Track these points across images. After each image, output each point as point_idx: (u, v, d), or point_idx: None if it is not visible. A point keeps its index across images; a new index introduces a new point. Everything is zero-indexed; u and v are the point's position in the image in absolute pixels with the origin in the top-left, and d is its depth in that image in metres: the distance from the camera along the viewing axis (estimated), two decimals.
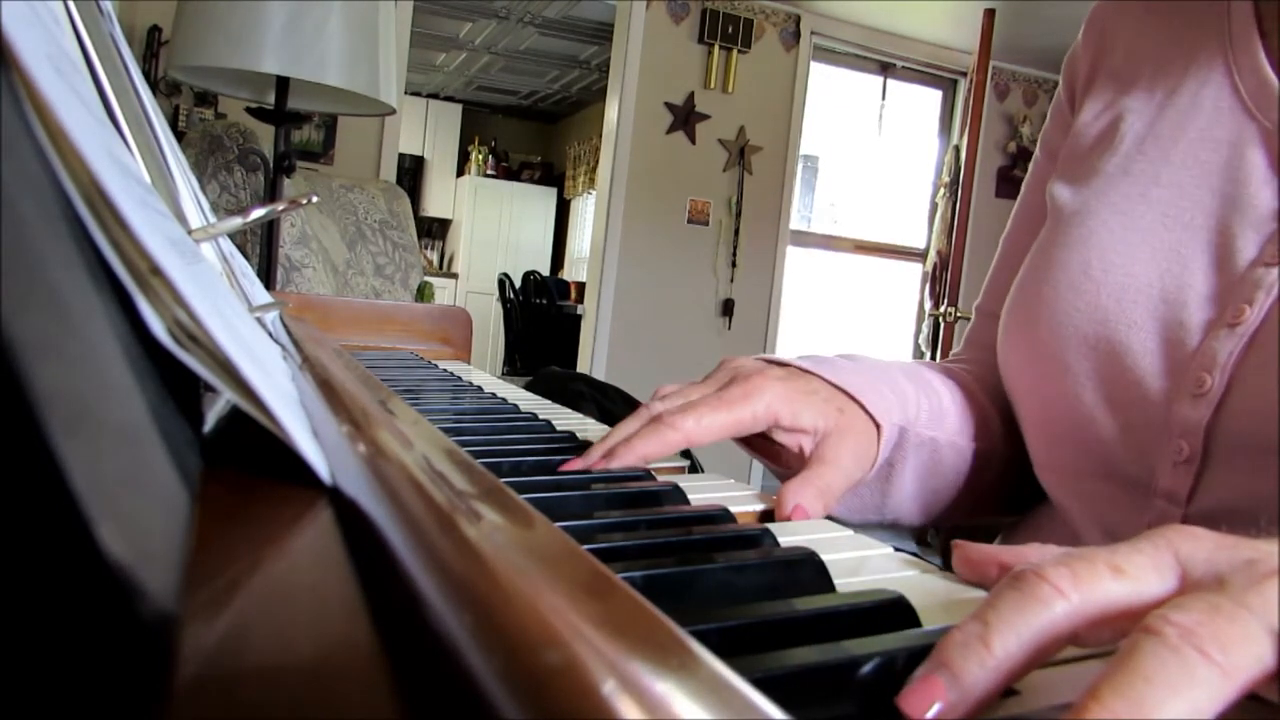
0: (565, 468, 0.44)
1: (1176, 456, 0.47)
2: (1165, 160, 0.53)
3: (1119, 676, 0.18)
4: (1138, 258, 0.51)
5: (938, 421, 0.55)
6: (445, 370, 0.95)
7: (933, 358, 3.86)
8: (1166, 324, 0.48)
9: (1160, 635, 0.19)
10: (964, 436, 0.58)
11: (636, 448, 0.43)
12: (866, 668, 0.22)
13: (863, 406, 0.50)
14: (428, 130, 7.74)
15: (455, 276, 7.43)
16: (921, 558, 0.36)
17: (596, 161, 5.31)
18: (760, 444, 0.50)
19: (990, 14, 3.59)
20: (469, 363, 1.18)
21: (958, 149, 3.85)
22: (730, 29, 4.32)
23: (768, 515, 0.41)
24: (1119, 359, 0.49)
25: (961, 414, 0.58)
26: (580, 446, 0.50)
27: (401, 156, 5.09)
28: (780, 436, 0.47)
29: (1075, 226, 0.55)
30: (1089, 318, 0.51)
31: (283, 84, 1.75)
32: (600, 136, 4.64)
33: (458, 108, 7.81)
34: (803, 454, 0.47)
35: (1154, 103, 0.55)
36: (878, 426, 0.50)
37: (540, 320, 5.94)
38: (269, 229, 1.90)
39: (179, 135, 2.72)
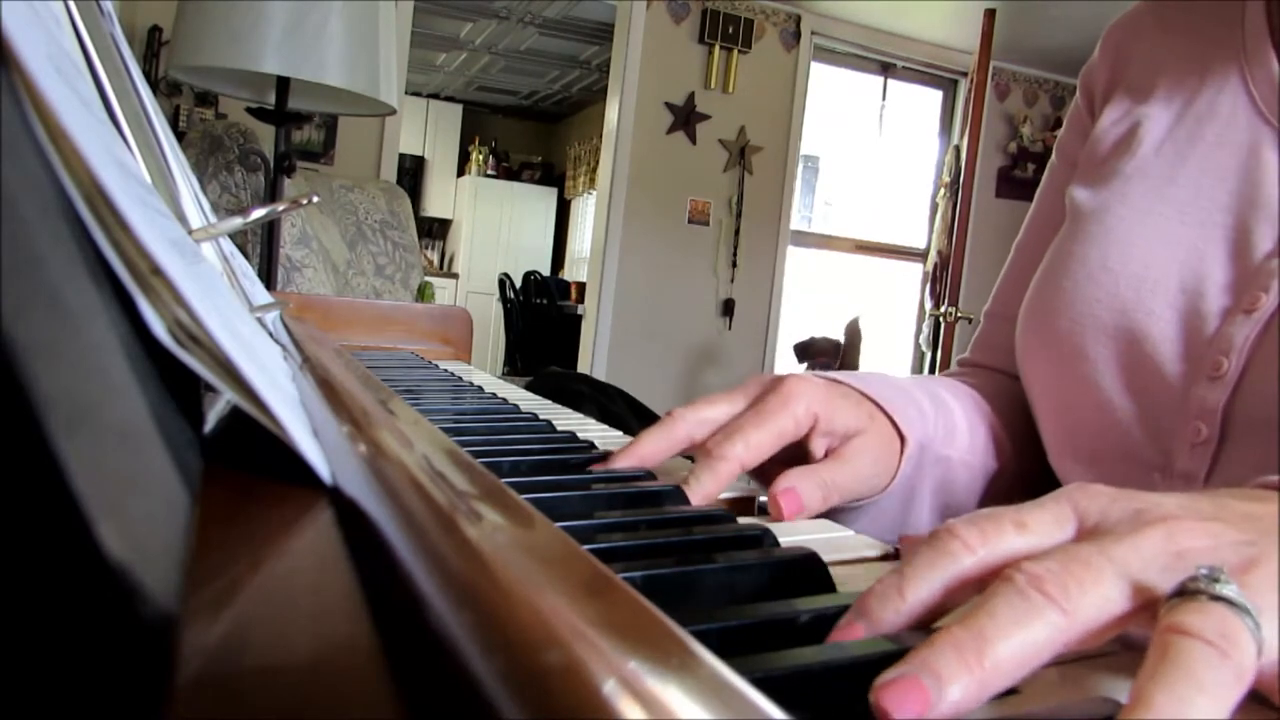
0: (599, 467, 0.43)
1: (1194, 438, 0.49)
2: (1182, 162, 0.54)
3: (968, 616, 0.21)
4: (1155, 251, 0.52)
5: (950, 439, 0.56)
6: (446, 370, 0.95)
7: (933, 358, 3.86)
8: (1184, 312, 0.50)
9: (1011, 581, 0.21)
10: (975, 454, 0.58)
11: (697, 490, 0.40)
12: (866, 668, 0.22)
13: (890, 418, 0.49)
14: (428, 130, 7.74)
15: (456, 276, 7.43)
16: None
17: (597, 162, 5.31)
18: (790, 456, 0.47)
19: (991, 14, 3.59)
20: (469, 363, 1.19)
21: (958, 149, 3.85)
22: (731, 29, 4.32)
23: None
24: (1138, 345, 0.51)
25: (972, 432, 0.58)
26: (582, 447, 0.50)
27: (402, 157, 5.09)
28: (815, 443, 0.46)
29: (1093, 224, 0.56)
30: (1108, 307, 0.53)
31: (283, 84, 1.75)
32: (600, 137, 4.64)
33: (458, 108, 7.82)
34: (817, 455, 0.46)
35: (1171, 110, 0.57)
36: (902, 440, 0.49)
37: (541, 320, 5.94)
38: (269, 229, 1.90)
39: (179, 135, 2.72)
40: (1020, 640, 0.20)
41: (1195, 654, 0.19)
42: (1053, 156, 0.69)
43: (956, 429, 0.56)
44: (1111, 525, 0.25)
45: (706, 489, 0.41)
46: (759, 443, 0.42)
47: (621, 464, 0.43)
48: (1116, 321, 0.52)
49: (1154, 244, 0.53)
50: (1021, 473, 0.61)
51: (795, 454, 0.45)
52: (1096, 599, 0.21)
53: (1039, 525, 0.25)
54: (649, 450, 0.44)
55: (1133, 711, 0.18)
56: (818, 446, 0.46)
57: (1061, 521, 0.26)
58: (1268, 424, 0.46)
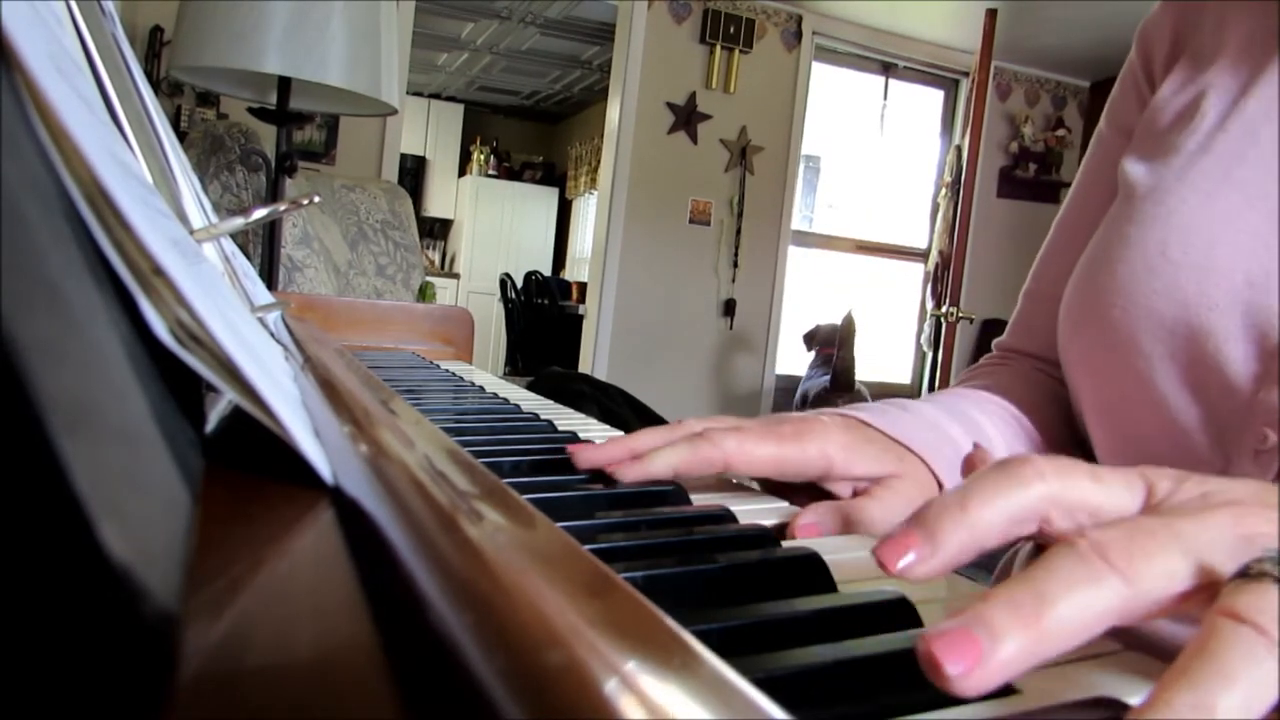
0: (578, 451, 0.42)
1: (1259, 445, 0.46)
2: (1252, 140, 0.50)
3: (1029, 573, 0.20)
4: (1220, 240, 0.48)
5: None
6: (447, 370, 0.95)
7: (934, 358, 3.86)
8: (1251, 308, 0.46)
9: (1074, 545, 0.21)
10: None
11: (668, 457, 0.40)
12: (867, 667, 0.21)
13: (925, 463, 0.47)
14: (429, 130, 7.74)
15: (457, 277, 7.44)
16: None
17: (598, 162, 5.31)
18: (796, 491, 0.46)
19: (992, 14, 3.59)
20: (470, 363, 1.19)
21: (959, 149, 3.85)
22: (732, 29, 4.32)
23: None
24: (1199, 343, 0.47)
25: (1015, 444, 0.56)
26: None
27: (403, 157, 5.10)
28: (835, 487, 0.44)
29: (1151, 204, 0.52)
30: (1166, 299, 0.49)
31: (284, 84, 1.75)
32: (602, 137, 4.64)
33: (459, 108, 7.82)
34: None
35: (1240, 81, 0.52)
36: (940, 486, 0.47)
37: (542, 320, 5.94)
38: (271, 229, 1.90)
39: (181, 135, 2.72)
40: (1080, 603, 0.20)
41: (1237, 642, 0.18)
42: (1101, 123, 0.64)
43: (994, 454, 0.54)
44: (1180, 503, 0.24)
45: (678, 459, 0.39)
46: (755, 452, 0.41)
47: (613, 452, 0.41)
48: (1176, 315, 0.48)
49: (1219, 231, 0.48)
50: None
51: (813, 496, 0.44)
52: (1160, 571, 0.21)
53: (1112, 482, 0.25)
54: (644, 445, 0.42)
55: (1154, 703, 0.18)
56: (843, 490, 0.44)
57: (1132, 487, 0.25)
58: None
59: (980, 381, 0.62)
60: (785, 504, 0.42)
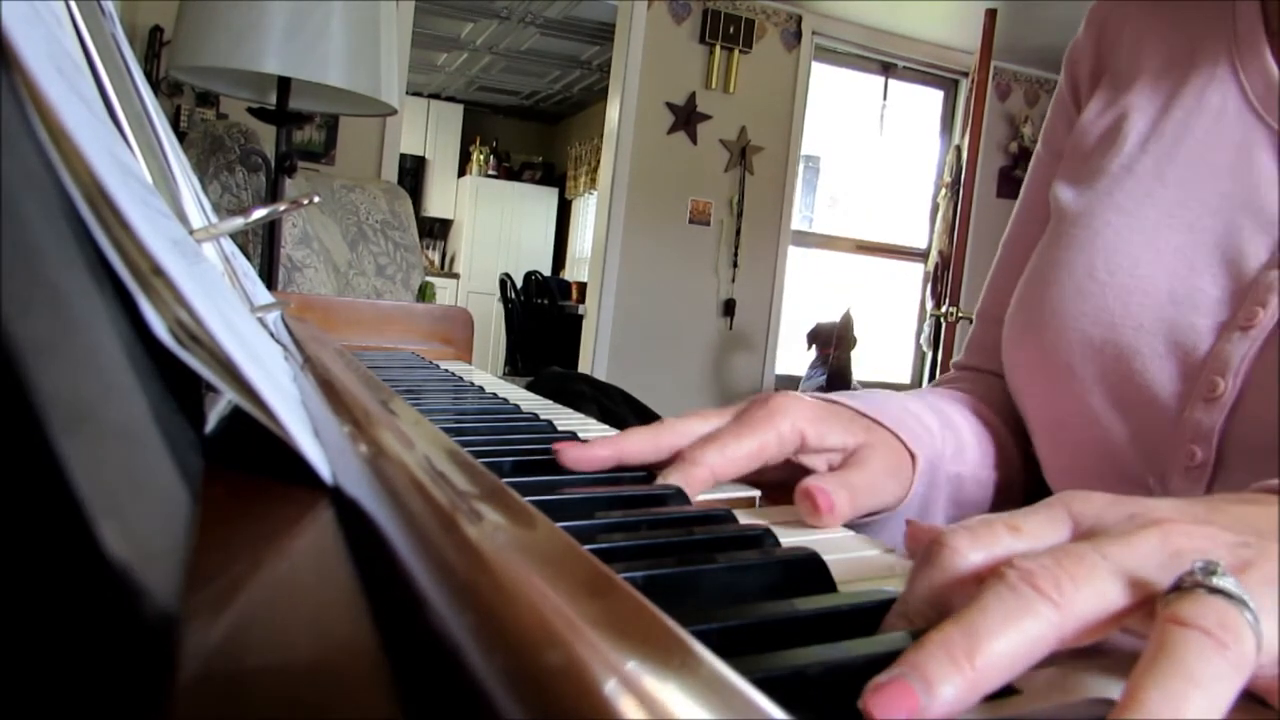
0: (564, 449, 0.42)
1: (1188, 462, 0.46)
2: (1170, 159, 0.51)
3: (959, 614, 0.21)
4: (1143, 259, 0.49)
5: (960, 455, 0.53)
6: (446, 370, 0.95)
7: (934, 358, 3.86)
8: (1175, 327, 0.47)
9: (1003, 577, 0.21)
10: (985, 469, 0.56)
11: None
12: (867, 667, 0.21)
13: (895, 435, 0.47)
14: (429, 130, 7.74)
15: (456, 277, 7.44)
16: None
17: (598, 162, 5.31)
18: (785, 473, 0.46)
19: (992, 14, 3.59)
20: (470, 363, 1.19)
21: (959, 149, 3.85)
22: (731, 29, 4.32)
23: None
24: (1127, 363, 0.48)
25: (981, 445, 0.56)
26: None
27: (403, 157, 5.09)
28: (807, 460, 0.45)
29: (1079, 228, 0.53)
30: (1094, 321, 0.50)
31: (284, 84, 1.75)
32: (601, 137, 4.64)
33: (459, 108, 7.82)
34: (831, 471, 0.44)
35: (1158, 102, 0.54)
36: (912, 456, 0.47)
37: (542, 320, 5.94)
38: (270, 229, 1.90)
39: (180, 135, 2.72)
40: (1013, 637, 0.20)
41: (1191, 645, 0.19)
42: (1038, 145, 0.66)
43: (965, 445, 0.54)
44: (1107, 527, 0.25)
45: None
46: (735, 454, 0.41)
47: (601, 452, 0.42)
48: (1104, 336, 0.49)
49: (1141, 251, 0.49)
50: (1031, 480, 0.58)
51: (794, 474, 0.43)
52: (1091, 594, 0.21)
53: (1034, 528, 0.25)
54: (632, 448, 0.42)
55: (1127, 706, 0.18)
56: (818, 463, 0.44)
57: (1056, 525, 0.26)
58: (1267, 450, 0.43)
59: (946, 387, 0.63)
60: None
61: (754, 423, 0.43)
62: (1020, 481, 0.59)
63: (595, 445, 0.42)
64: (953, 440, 0.53)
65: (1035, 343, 0.53)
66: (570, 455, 0.42)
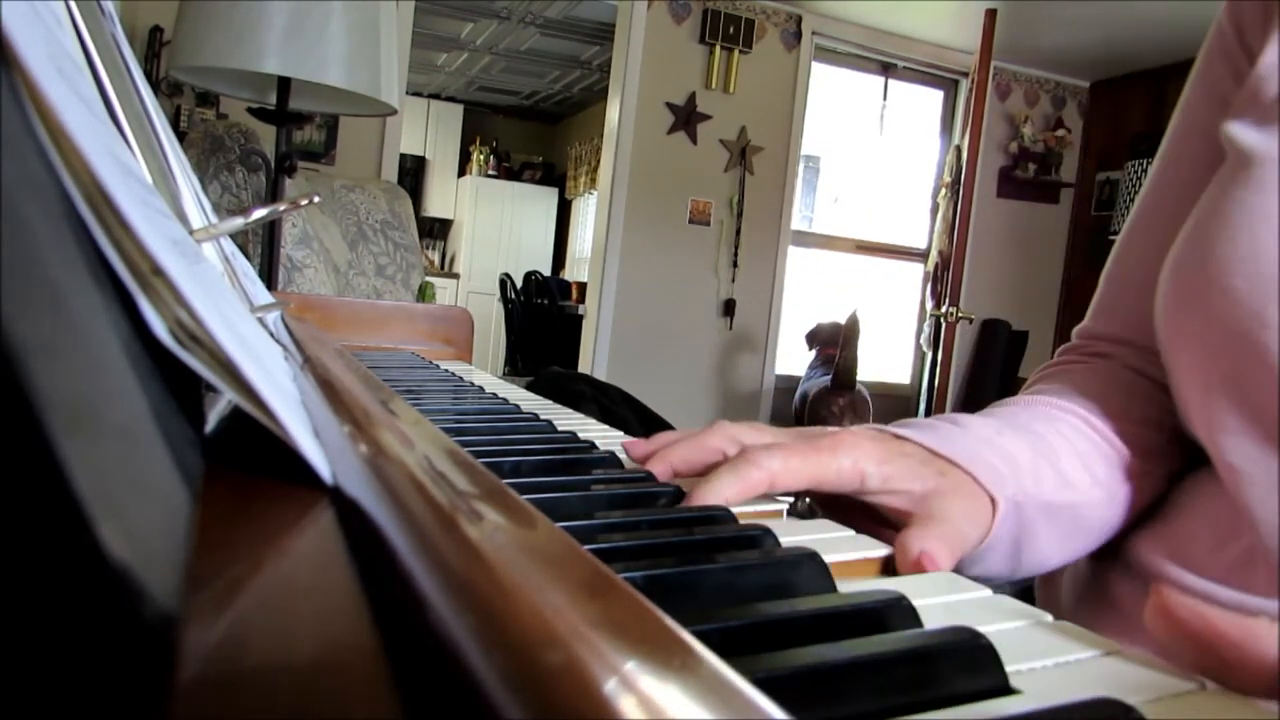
0: (631, 445, 0.46)
1: None
2: None
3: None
4: None
5: (1065, 485, 0.50)
6: (446, 370, 0.95)
7: (934, 357, 3.86)
8: None
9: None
10: (1102, 487, 0.52)
11: (721, 490, 0.39)
12: (867, 667, 0.21)
13: (972, 476, 0.45)
14: (429, 130, 7.74)
15: (456, 277, 7.44)
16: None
17: (598, 162, 5.31)
18: (852, 511, 0.45)
19: (992, 14, 3.59)
20: (470, 363, 1.19)
21: (959, 149, 3.85)
22: (731, 29, 4.32)
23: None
24: None
25: (1093, 460, 0.52)
26: (583, 447, 0.50)
27: (403, 157, 5.10)
28: (872, 499, 0.43)
29: (1271, 169, 0.49)
30: None
31: (284, 84, 1.75)
32: (601, 137, 4.64)
33: (459, 108, 7.82)
34: (900, 514, 0.43)
35: None
36: (991, 499, 0.45)
37: (541, 320, 5.94)
38: (270, 229, 1.90)
39: (180, 135, 2.72)
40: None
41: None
42: (1186, 97, 0.61)
43: (1067, 474, 0.50)
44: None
45: (725, 492, 0.39)
46: (797, 469, 0.40)
47: (697, 502, 0.40)
48: None
49: None
50: (1166, 474, 0.54)
51: (839, 497, 0.43)
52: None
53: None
54: (679, 457, 0.44)
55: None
56: (884, 504, 0.43)
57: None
58: None
59: (1053, 385, 0.59)
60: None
61: (819, 448, 0.42)
62: (1154, 481, 0.54)
63: (651, 454, 0.45)
64: (1051, 474, 0.49)
65: (1214, 288, 0.49)
66: (637, 451, 0.46)
